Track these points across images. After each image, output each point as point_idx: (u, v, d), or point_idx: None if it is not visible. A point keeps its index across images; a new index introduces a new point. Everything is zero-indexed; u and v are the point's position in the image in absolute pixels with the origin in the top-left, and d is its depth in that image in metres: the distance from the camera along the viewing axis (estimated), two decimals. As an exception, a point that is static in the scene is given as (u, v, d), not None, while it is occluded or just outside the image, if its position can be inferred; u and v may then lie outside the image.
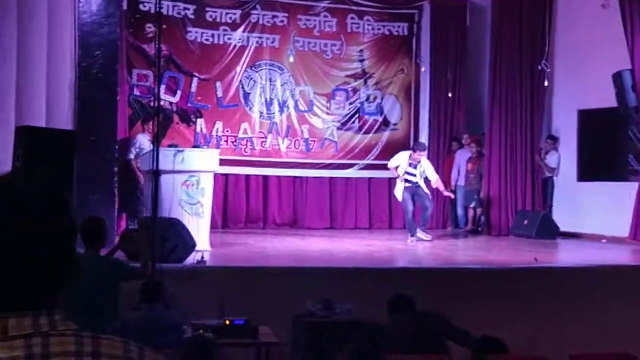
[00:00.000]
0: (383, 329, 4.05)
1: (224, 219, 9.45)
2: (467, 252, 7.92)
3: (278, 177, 9.76)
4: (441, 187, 8.44)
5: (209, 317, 4.47)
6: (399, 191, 8.31)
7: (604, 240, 8.52)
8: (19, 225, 0.87)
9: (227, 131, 9.59)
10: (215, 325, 4.24)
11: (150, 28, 8.87)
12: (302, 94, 9.89)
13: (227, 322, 4.26)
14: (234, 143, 9.59)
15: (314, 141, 9.94)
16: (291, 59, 9.72)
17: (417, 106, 10.26)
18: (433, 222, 9.46)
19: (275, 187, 9.77)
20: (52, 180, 0.91)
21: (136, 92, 9.03)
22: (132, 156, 8.06)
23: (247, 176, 9.66)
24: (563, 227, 8.96)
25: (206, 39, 9.45)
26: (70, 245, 0.92)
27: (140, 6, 8.97)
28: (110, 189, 6.51)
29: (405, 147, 9.38)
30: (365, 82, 10.15)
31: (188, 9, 9.34)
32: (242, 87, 9.63)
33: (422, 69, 10.15)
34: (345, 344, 3.98)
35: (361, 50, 10.09)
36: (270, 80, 9.74)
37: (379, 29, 10.14)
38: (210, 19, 9.47)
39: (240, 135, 9.60)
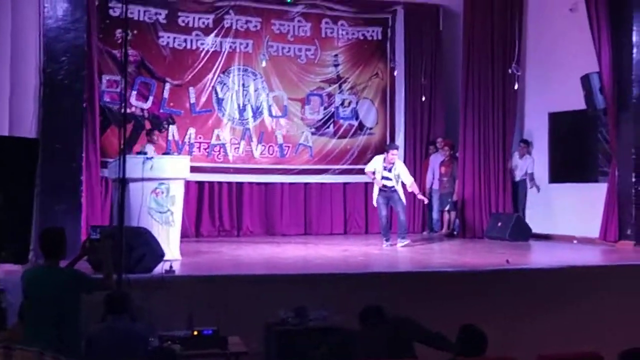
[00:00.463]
0: (355, 335, 4.00)
1: (197, 227, 9.34)
2: (442, 255, 7.92)
3: (252, 183, 9.68)
4: (416, 191, 8.44)
5: (178, 327, 4.39)
6: (374, 195, 8.31)
7: (575, 241, 8.61)
8: None
9: (200, 137, 9.49)
10: (183, 336, 4.16)
11: (120, 33, 8.74)
12: (275, 100, 9.83)
13: (195, 332, 4.19)
14: (207, 150, 9.49)
15: (288, 147, 9.88)
16: (264, 64, 9.66)
17: (392, 110, 10.27)
18: (410, 226, 9.45)
19: (249, 194, 9.68)
20: None
21: (106, 98, 8.88)
22: None
23: (220, 183, 9.56)
24: (535, 229, 9.03)
25: (178, 44, 9.35)
26: None
27: (110, 11, 8.84)
28: (76, 198, 6.36)
29: (382, 151, 9.37)
30: (340, 86, 10.14)
31: (160, 14, 9.24)
32: (216, 93, 9.54)
33: (396, 73, 10.17)
34: (316, 350, 3.93)
35: (336, 55, 10.08)
36: (244, 85, 9.66)
37: (353, 34, 10.15)
38: (183, 24, 9.38)
39: (213, 141, 9.50)
